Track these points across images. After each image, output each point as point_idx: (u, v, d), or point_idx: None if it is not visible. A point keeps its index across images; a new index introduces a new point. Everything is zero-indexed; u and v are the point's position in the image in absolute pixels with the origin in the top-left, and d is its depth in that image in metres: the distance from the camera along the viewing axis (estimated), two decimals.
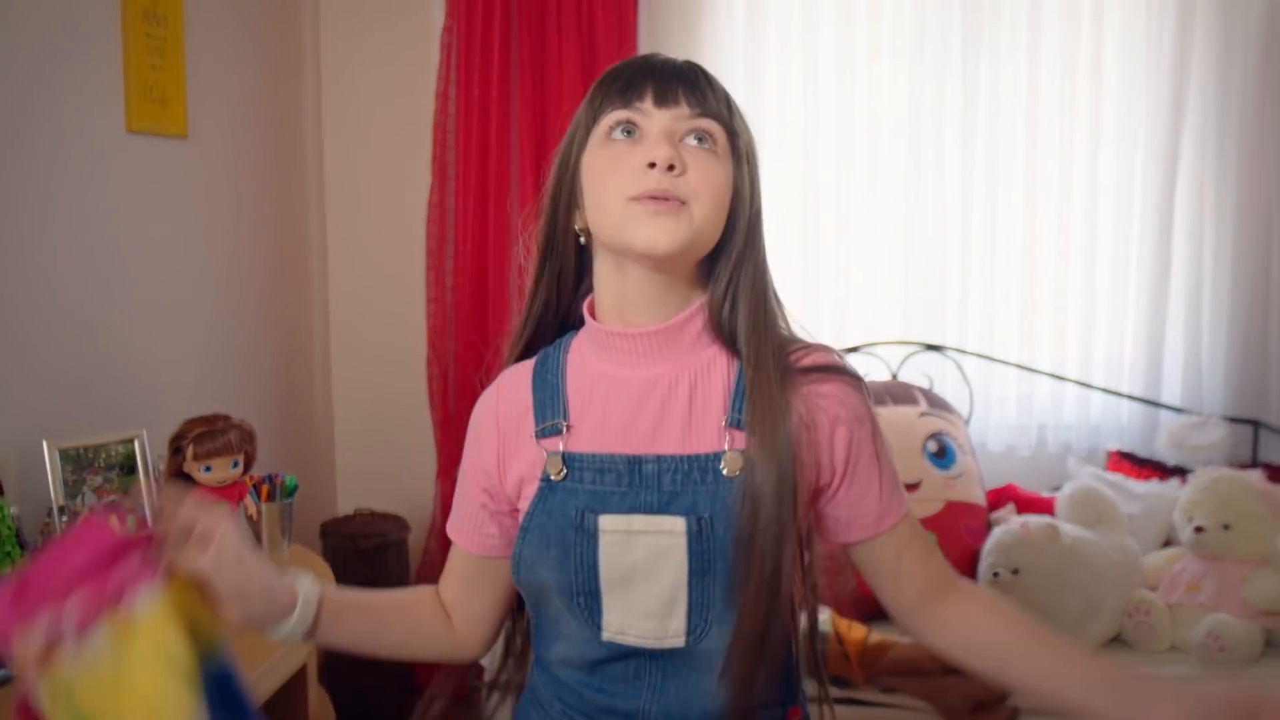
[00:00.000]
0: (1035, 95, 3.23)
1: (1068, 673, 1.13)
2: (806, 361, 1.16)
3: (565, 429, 1.14)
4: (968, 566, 2.76)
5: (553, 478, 1.13)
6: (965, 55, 3.22)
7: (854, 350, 3.29)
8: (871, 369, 3.28)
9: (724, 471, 1.10)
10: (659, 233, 1.06)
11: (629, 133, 1.10)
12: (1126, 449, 3.21)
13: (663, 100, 1.10)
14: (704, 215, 1.09)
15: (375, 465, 3.53)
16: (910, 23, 3.24)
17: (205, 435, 2.21)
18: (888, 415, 3.02)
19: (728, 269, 1.14)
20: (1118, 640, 2.72)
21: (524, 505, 1.16)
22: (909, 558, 1.19)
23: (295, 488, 2.37)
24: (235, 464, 2.25)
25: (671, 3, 3.27)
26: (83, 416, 2.28)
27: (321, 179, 3.52)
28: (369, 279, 3.55)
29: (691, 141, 1.10)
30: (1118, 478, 3.03)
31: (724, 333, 1.14)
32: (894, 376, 3.27)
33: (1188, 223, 3.25)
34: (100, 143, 2.42)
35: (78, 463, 2.14)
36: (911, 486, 2.92)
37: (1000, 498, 3.04)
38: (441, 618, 1.27)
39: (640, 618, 1.10)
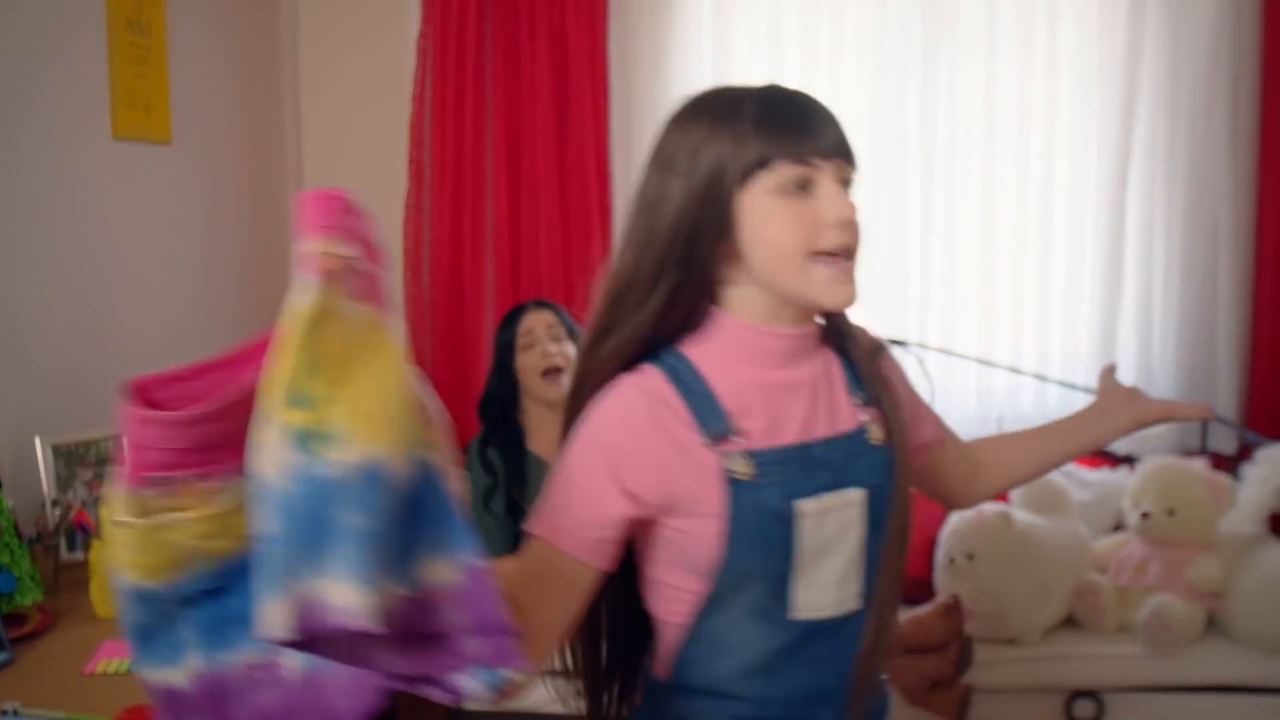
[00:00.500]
0: (992, 95, 3.34)
1: (1062, 434, 1.53)
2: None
3: (739, 431, 1.18)
4: (926, 553, 2.88)
5: (741, 478, 1.17)
6: (925, 55, 3.32)
7: None
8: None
9: (871, 441, 1.24)
10: (849, 293, 1.18)
11: (803, 188, 1.15)
12: None
13: (828, 154, 1.15)
14: (857, 259, 1.20)
15: None
16: (871, 22, 3.35)
17: None
18: None
19: None
20: (1069, 621, 2.85)
21: (707, 513, 1.18)
22: (962, 448, 1.51)
23: None
24: None
25: (641, 7, 3.36)
26: (74, 413, 2.37)
27: (301, 180, 3.60)
28: None
29: (845, 190, 1.18)
30: (1071, 467, 3.15)
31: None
32: None
33: (1140, 220, 3.37)
34: (87, 149, 2.51)
35: (69, 458, 2.24)
36: None
37: None
38: None
39: (823, 589, 1.20)
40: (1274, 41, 3.23)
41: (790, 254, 1.15)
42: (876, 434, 1.25)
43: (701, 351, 1.22)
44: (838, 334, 1.28)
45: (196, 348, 2.89)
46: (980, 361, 3.34)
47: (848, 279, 1.17)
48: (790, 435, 1.20)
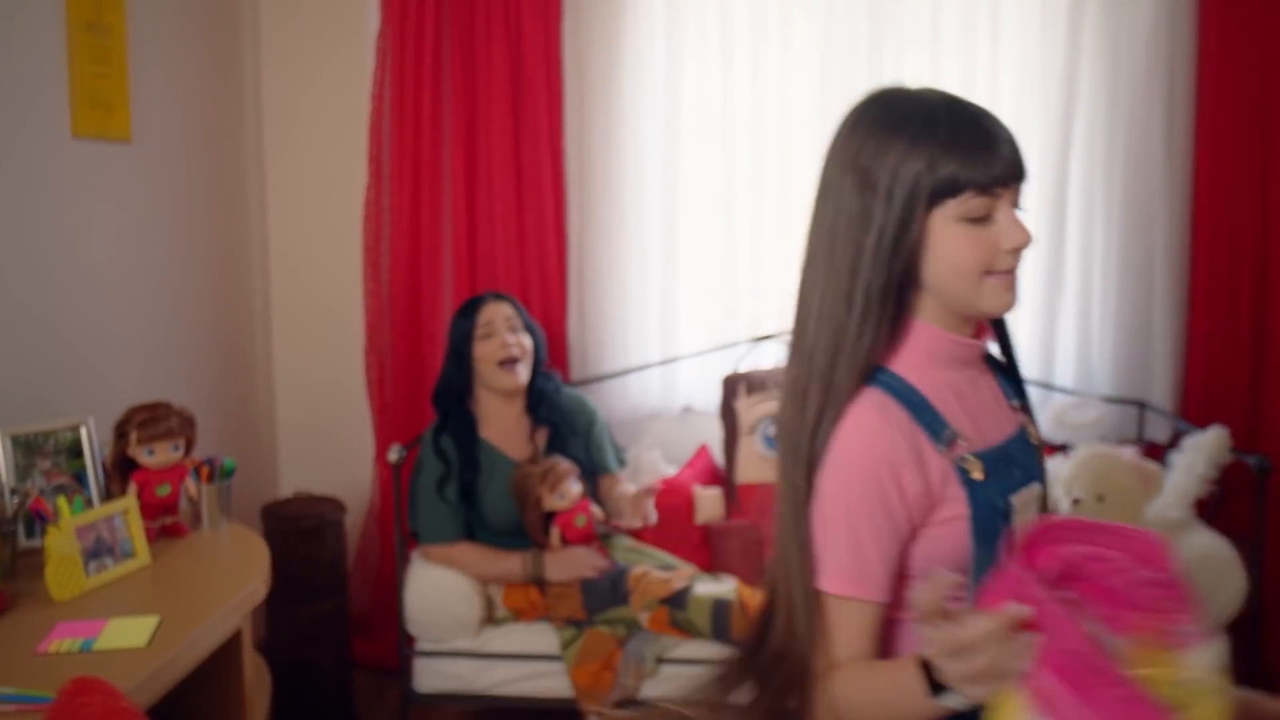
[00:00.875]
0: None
1: None
2: None
3: (960, 435, 1.25)
4: None
5: (976, 478, 1.25)
6: (871, 52, 3.42)
7: (768, 338, 3.49)
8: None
9: (1031, 440, 1.35)
10: (1011, 300, 1.25)
11: (984, 217, 1.22)
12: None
13: (1008, 181, 1.21)
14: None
15: (316, 450, 3.70)
16: (820, 18, 3.44)
17: (148, 421, 2.38)
18: None
19: None
20: None
21: (955, 516, 1.24)
22: None
23: (233, 469, 2.54)
24: (176, 448, 2.41)
25: (594, 7, 3.44)
26: (32, 405, 2.44)
27: (263, 178, 3.67)
28: (310, 274, 3.71)
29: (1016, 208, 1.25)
30: None
31: None
32: None
33: (1079, 215, 3.47)
34: (47, 148, 2.57)
35: (28, 448, 2.31)
36: None
37: None
38: None
39: None
40: (1208, 41, 3.33)
41: (967, 274, 1.22)
42: (1035, 434, 1.36)
43: (901, 363, 1.27)
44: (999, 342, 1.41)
45: (154, 343, 2.97)
46: None
47: (1009, 287, 1.24)
48: (988, 436, 1.28)
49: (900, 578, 1.26)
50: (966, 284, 1.22)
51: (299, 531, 3.15)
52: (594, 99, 3.46)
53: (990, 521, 1.24)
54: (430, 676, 2.91)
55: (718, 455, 3.38)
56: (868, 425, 1.21)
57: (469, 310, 3.04)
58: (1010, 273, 1.23)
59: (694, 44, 3.47)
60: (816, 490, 1.23)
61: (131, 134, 2.89)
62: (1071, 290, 3.50)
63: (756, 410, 3.24)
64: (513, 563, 2.90)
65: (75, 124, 2.65)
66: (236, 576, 2.22)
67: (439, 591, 2.86)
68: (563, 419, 3.09)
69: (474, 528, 3.00)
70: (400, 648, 2.94)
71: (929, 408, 1.24)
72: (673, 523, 3.14)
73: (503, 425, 3.05)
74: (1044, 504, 1.33)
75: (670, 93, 3.47)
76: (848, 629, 1.23)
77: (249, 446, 3.58)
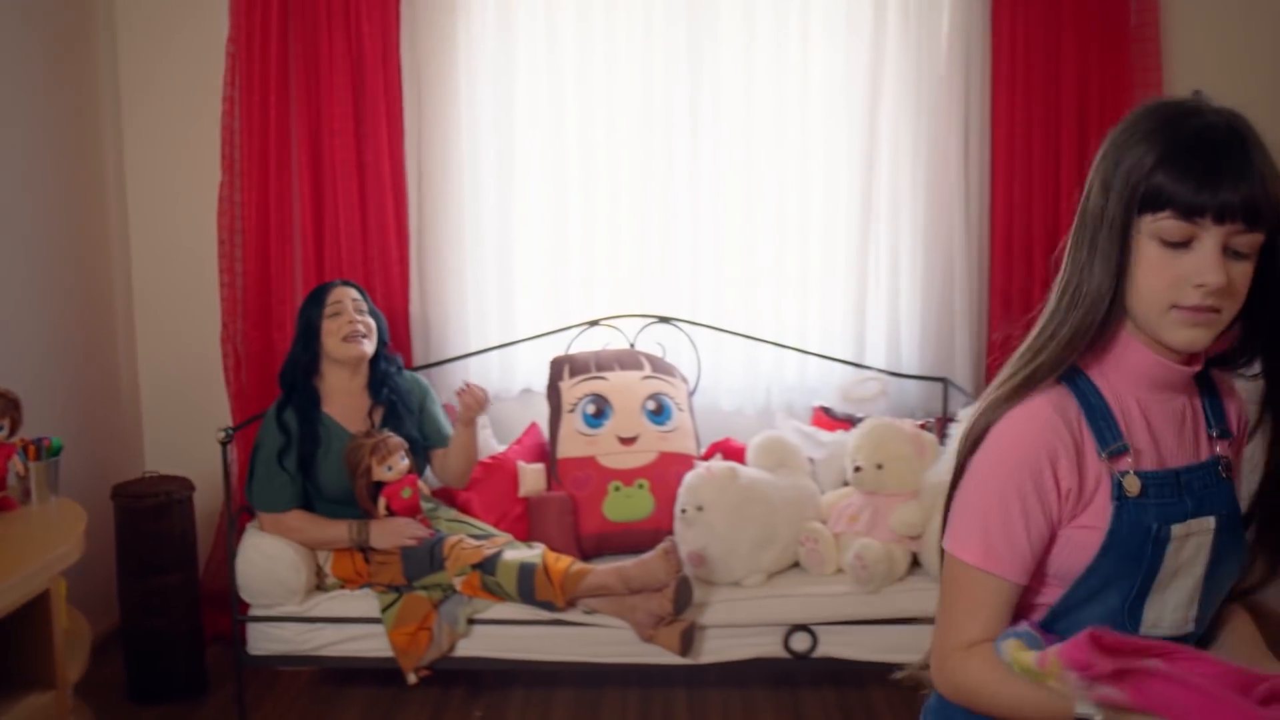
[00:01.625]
0: (751, 93, 3.69)
1: None
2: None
3: (1130, 450, 1.25)
4: (669, 506, 3.22)
5: (1129, 494, 1.24)
6: (690, 62, 3.66)
7: (595, 324, 3.72)
8: (612, 340, 3.72)
9: (1223, 474, 1.30)
10: (1196, 338, 1.20)
11: (1184, 243, 1.17)
12: (830, 405, 3.69)
13: (1222, 218, 1.14)
14: (1230, 315, 1.20)
15: (178, 434, 3.89)
16: (640, 26, 3.68)
17: None
18: (615, 379, 3.47)
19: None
20: (795, 566, 3.21)
21: (1093, 525, 1.25)
22: None
23: (60, 448, 2.74)
24: (1, 428, 2.61)
25: (430, 14, 3.65)
26: None
27: (122, 177, 3.86)
28: (171, 267, 3.90)
29: (1231, 253, 1.17)
30: (814, 429, 3.51)
31: None
32: (632, 345, 3.70)
33: (887, 207, 3.73)
34: None
35: None
36: (629, 440, 3.38)
37: (717, 449, 3.51)
38: None
39: (1171, 609, 1.27)
40: (1001, 48, 3.61)
41: (1151, 302, 1.20)
42: (1228, 468, 1.31)
43: (1100, 370, 1.28)
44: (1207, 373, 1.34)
45: (8, 331, 3.15)
46: (744, 337, 3.71)
47: (1195, 325, 1.19)
48: (1167, 460, 1.27)
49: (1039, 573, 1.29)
50: (1150, 310, 1.21)
51: (145, 509, 3.35)
52: (431, 100, 3.68)
53: (1136, 542, 1.23)
54: (262, 641, 3.13)
55: (546, 433, 3.61)
56: (1036, 412, 1.24)
57: (318, 294, 3.28)
58: (1197, 310, 1.17)
59: (524, 47, 3.69)
60: (973, 464, 1.28)
61: None
62: (881, 276, 3.76)
63: (577, 390, 3.48)
64: (340, 530, 3.12)
65: None
66: (51, 543, 2.42)
67: (268, 560, 3.08)
68: (400, 398, 3.32)
69: (312, 498, 3.21)
70: (233, 614, 3.14)
71: (1108, 416, 1.25)
72: (497, 495, 3.38)
73: (344, 402, 3.27)
74: (1225, 536, 1.28)
75: (503, 95, 3.69)
76: (988, 606, 1.26)
77: (112, 432, 3.78)
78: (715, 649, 3.07)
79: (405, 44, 3.66)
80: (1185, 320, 1.18)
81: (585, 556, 3.26)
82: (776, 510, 3.13)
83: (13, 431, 2.65)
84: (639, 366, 3.52)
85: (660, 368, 3.56)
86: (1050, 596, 1.29)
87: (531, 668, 3.16)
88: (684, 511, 3.11)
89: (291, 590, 3.08)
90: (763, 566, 3.11)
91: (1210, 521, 1.26)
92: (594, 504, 3.32)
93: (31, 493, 2.69)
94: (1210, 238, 1.15)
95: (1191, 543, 1.25)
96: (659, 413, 3.43)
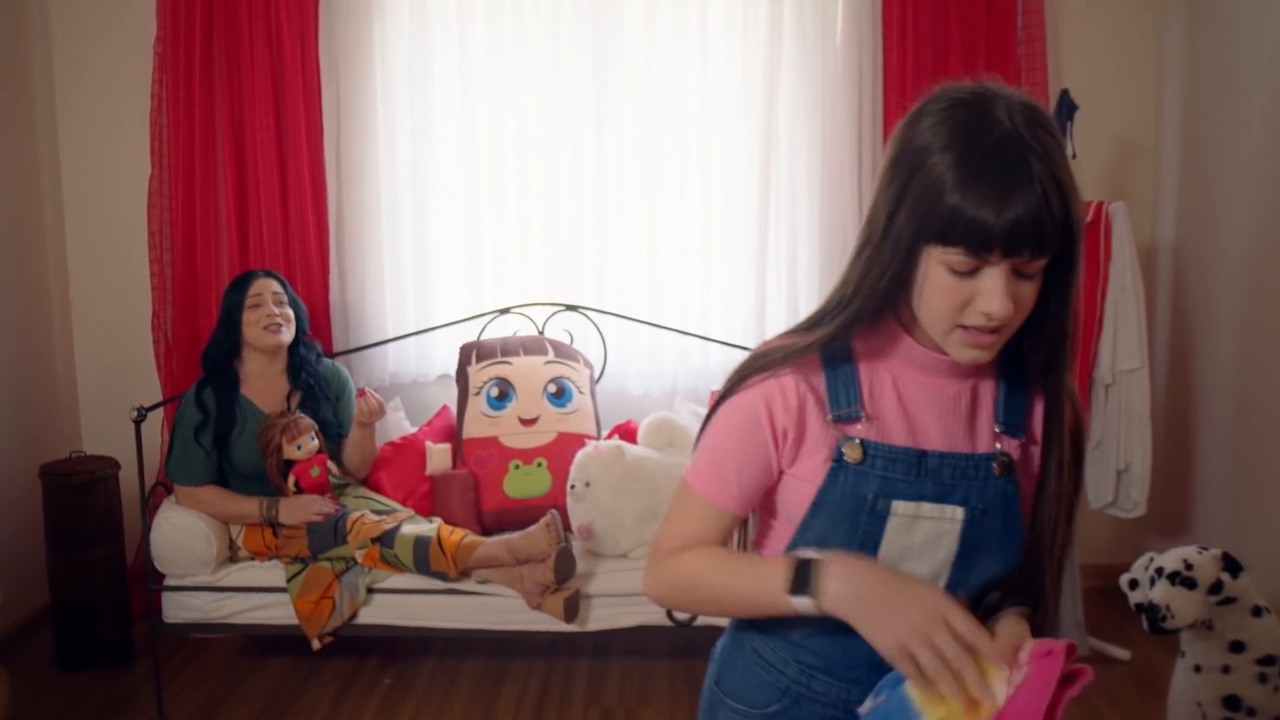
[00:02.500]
0: (654, 99, 3.88)
1: None
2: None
3: (863, 419, 1.27)
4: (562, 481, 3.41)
5: (848, 460, 1.25)
6: (595, 61, 3.85)
7: (506, 312, 3.91)
8: (523, 328, 3.90)
9: (996, 470, 1.27)
10: (979, 356, 1.21)
11: (970, 273, 1.16)
12: None
13: (1007, 251, 1.12)
14: (1014, 328, 1.20)
15: (112, 416, 4.06)
16: (548, 25, 3.86)
17: None
18: (519, 364, 3.66)
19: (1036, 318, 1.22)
20: None
21: (807, 478, 1.28)
22: None
23: None
24: None
25: (348, 16, 3.83)
26: None
27: (58, 168, 4.05)
28: (105, 258, 4.09)
29: (1019, 274, 1.16)
30: (699, 409, 3.70)
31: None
32: (540, 333, 3.88)
33: (783, 203, 3.92)
34: None
35: None
36: (529, 421, 3.57)
37: (619, 430, 3.70)
38: None
39: None
40: (891, 47, 3.79)
41: (936, 320, 1.20)
42: (1002, 464, 1.27)
43: (866, 341, 1.29)
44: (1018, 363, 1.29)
45: None
46: (648, 324, 3.89)
47: (976, 345, 1.20)
48: (910, 438, 1.27)
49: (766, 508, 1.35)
50: (935, 327, 1.21)
51: (70, 486, 3.53)
52: (349, 98, 3.86)
53: (850, 507, 1.25)
54: (176, 609, 3.31)
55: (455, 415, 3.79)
56: (773, 369, 1.28)
57: (241, 283, 3.46)
58: (982, 332, 1.18)
59: (438, 48, 3.88)
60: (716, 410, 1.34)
61: None
62: (780, 266, 3.94)
63: (483, 374, 3.66)
64: (251, 505, 3.31)
65: None
66: None
67: (180, 532, 3.26)
68: (317, 383, 3.50)
69: (227, 474, 3.39)
70: (148, 583, 3.33)
71: (851, 383, 1.27)
72: (406, 473, 3.56)
73: (263, 385, 3.46)
74: (978, 531, 1.27)
75: (417, 93, 3.88)
76: (697, 522, 1.33)
77: (44, 415, 3.96)
78: (602, 617, 3.25)
79: (323, 44, 3.84)
80: (969, 341, 1.19)
81: (486, 531, 3.45)
82: (660, 487, 3.30)
83: None
84: (543, 352, 3.70)
85: (563, 353, 3.74)
86: (782, 533, 1.32)
87: (435, 635, 3.35)
88: (573, 487, 3.30)
89: (203, 561, 3.26)
90: (647, 540, 3.29)
91: (956, 511, 1.25)
92: (495, 481, 3.51)
93: None
94: (999, 270, 1.14)
95: (925, 526, 1.25)
96: (560, 395, 3.62)
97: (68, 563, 3.56)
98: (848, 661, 1.31)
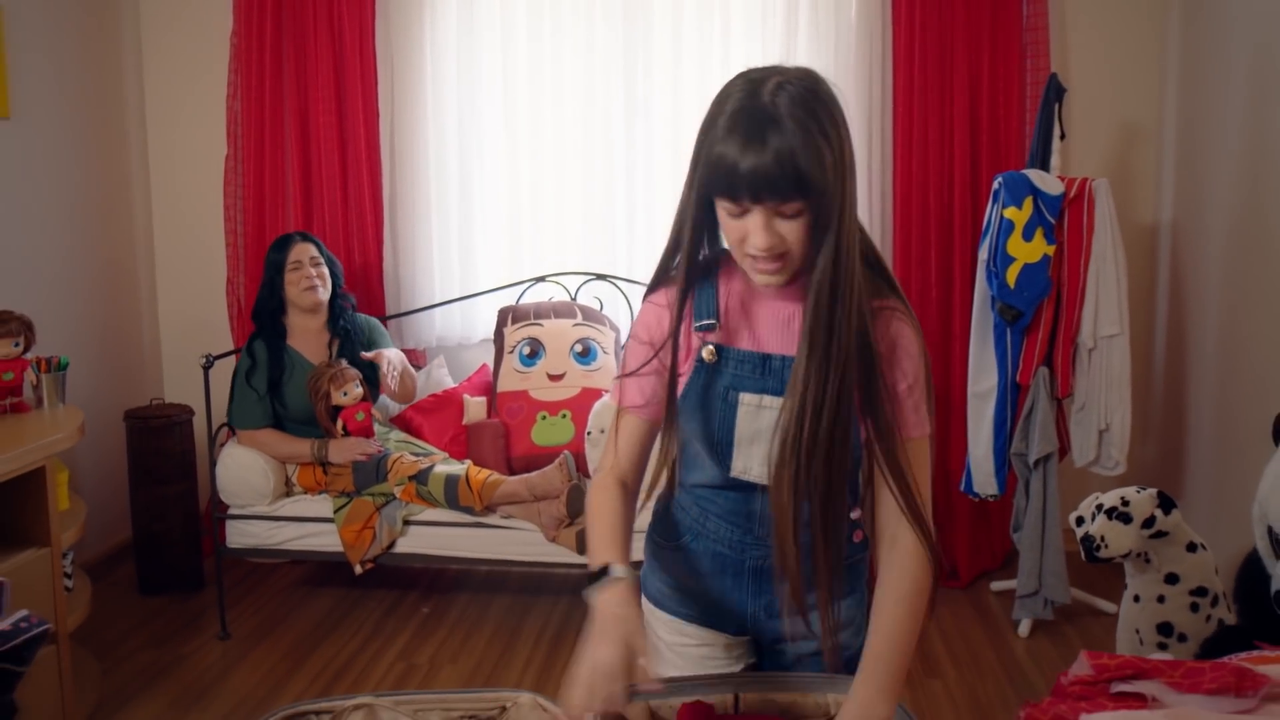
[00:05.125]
0: (679, 85, 4.21)
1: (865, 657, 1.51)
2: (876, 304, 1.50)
3: (717, 328, 1.53)
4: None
5: (706, 360, 1.52)
6: (626, 51, 4.19)
7: (542, 279, 4.26)
8: (556, 294, 4.25)
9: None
10: (769, 280, 1.44)
11: (740, 214, 1.40)
12: None
13: (759, 200, 1.36)
14: (797, 258, 1.41)
15: (190, 370, 4.51)
16: (584, 22, 4.22)
17: None
18: (550, 326, 4.01)
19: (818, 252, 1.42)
20: None
21: (683, 375, 1.54)
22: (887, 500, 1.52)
23: (67, 364, 3.36)
24: (16, 344, 3.23)
25: (403, 8, 4.23)
26: None
27: (145, 153, 4.53)
28: (185, 230, 4.55)
29: (781, 216, 1.37)
30: None
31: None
32: (573, 298, 4.23)
33: None
34: None
35: None
36: (557, 377, 3.92)
37: None
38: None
39: (758, 463, 1.53)
40: (900, 45, 4.05)
41: (734, 251, 1.46)
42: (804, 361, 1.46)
43: (728, 271, 1.55)
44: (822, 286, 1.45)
45: (46, 288, 3.80)
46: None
47: (767, 272, 1.42)
48: (763, 346, 1.52)
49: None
50: (737, 257, 1.46)
51: (150, 429, 3.98)
52: (402, 84, 4.27)
53: (706, 398, 1.53)
54: (238, 536, 3.73)
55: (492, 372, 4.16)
56: (658, 297, 1.56)
57: (282, 245, 3.87)
58: (763, 259, 1.40)
59: (484, 39, 4.26)
60: None
61: (10, 111, 3.71)
62: None
63: (517, 335, 4.02)
64: (303, 446, 3.71)
65: None
66: (50, 434, 3.04)
67: (241, 467, 3.68)
68: (353, 329, 3.91)
69: (282, 419, 3.80)
70: (213, 512, 3.75)
71: (711, 302, 1.53)
72: (445, 423, 3.94)
73: (306, 337, 3.87)
74: (793, 417, 1.43)
75: (465, 80, 4.27)
76: (626, 438, 1.62)
77: (130, 368, 4.44)
78: None
79: (380, 37, 4.24)
80: (758, 268, 1.43)
81: (514, 474, 3.81)
82: None
83: (27, 349, 3.27)
84: (572, 315, 4.05)
85: (591, 317, 4.09)
86: (677, 448, 1.60)
87: (464, 565, 3.72)
88: (590, 434, 3.64)
89: (262, 493, 3.68)
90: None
91: (786, 402, 1.45)
92: (524, 430, 3.87)
93: (43, 399, 3.31)
94: (757, 212, 1.37)
95: (768, 415, 1.49)
96: (585, 355, 3.96)
97: (147, 498, 4.01)
98: (734, 510, 1.60)
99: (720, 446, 1.54)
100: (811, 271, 1.42)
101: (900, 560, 1.51)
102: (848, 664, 1.56)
